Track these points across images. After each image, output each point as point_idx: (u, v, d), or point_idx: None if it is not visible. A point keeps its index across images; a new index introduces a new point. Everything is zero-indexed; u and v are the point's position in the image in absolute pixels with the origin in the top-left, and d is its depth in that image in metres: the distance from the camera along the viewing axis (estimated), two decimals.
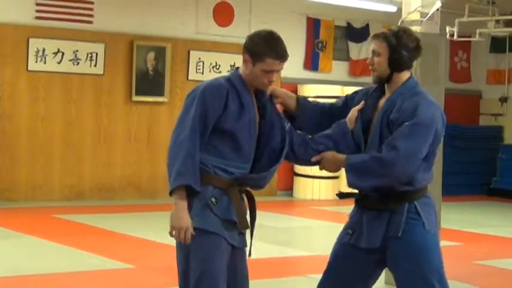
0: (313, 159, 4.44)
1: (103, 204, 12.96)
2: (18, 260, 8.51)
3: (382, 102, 4.44)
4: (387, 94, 4.44)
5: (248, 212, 4.38)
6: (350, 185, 4.39)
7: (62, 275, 7.86)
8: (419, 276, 4.30)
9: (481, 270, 8.27)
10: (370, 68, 4.48)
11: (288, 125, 4.45)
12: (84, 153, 13.40)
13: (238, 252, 4.31)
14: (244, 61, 4.27)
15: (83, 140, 13.40)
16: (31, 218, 11.43)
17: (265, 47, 4.21)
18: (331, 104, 4.71)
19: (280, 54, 4.23)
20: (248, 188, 4.38)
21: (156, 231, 9.61)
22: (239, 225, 4.23)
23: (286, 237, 10.86)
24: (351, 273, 4.47)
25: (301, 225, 12.45)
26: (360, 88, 4.75)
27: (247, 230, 4.35)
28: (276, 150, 4.36)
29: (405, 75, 4.43)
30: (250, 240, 4.37)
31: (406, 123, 4.22)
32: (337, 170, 4.45)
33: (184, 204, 4.08)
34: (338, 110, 4.64)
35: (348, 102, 4.64)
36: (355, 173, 4.33)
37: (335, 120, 4.53)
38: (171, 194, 4.12)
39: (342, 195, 4.61)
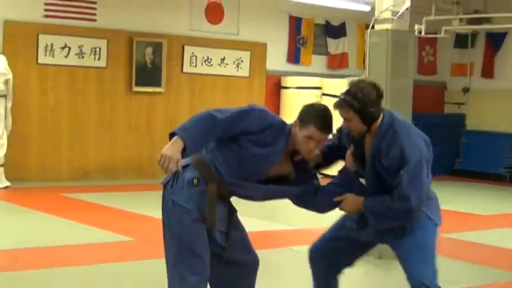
0: (336, 198, 4.35)
1: (107, 184, 12.95)
2: (28, 234, 8.49)
3: (367, 140, 4.30)
4: (369, 135, 4.28)
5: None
6: (369, 224, 4.34)
7: (68, 247, 7.85)
8: (414, 247, 4.33)
9: (447, 242, 8.28)
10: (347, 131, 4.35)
11: (316, 182, 4.44)
12: (89, 139, 13.35)
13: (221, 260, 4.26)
14: (294, 125, 4.19)
15: (87, 127, 13.34)
16: (41, 196, 11.38)
17: (312, 117, 4.13)
18: (332, 144, 4.59)
19: (322, 126, 4.12)
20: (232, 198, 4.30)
21: (155, 207, 9.54)
22: (206, 222, 4.10)
23: (269, 212, 10.84)
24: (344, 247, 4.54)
25: (284, 201, 12.42)
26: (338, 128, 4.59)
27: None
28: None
29: (380, 118, 4.24)
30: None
31: (402, 171, 4.09)
32: (356, 210, 4.35)
33: (181, 144, 3.91)
34: (337, 147, 4.56)
35: (338, 138, 4.58)
36: (373, 217, 4.28)
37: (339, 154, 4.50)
38: (172, 135, 3.98)
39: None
